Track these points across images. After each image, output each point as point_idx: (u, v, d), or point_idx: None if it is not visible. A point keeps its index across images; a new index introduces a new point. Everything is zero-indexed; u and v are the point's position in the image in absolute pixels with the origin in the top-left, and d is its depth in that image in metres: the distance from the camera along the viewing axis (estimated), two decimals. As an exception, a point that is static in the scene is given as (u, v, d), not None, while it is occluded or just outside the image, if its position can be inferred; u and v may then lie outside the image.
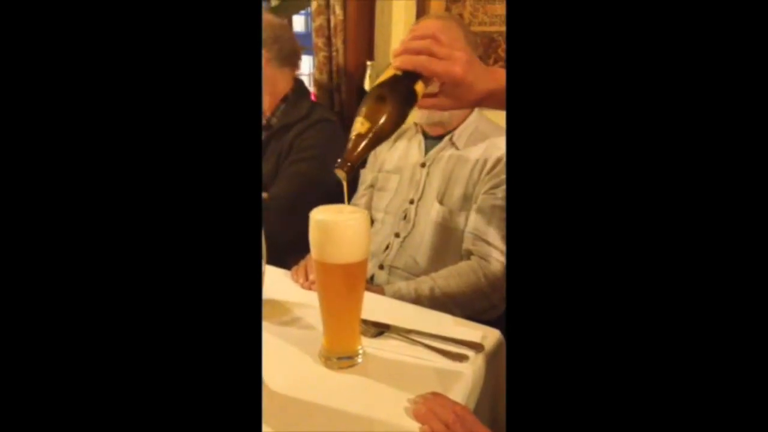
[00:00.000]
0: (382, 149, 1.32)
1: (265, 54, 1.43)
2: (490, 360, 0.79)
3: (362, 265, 0.73)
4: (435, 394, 0.65)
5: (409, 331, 0.81)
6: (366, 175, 1.35)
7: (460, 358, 0.75)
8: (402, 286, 1.06)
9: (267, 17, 1.48)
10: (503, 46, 1.51)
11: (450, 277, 1.05)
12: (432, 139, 1.21)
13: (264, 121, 1.47)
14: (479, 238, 1.08)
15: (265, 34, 1.44)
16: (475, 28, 1.52)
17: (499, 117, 1.35)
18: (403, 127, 1.32)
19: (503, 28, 1.50)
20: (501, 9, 1.50)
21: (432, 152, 1.19)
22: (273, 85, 1.45)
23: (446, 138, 1.18)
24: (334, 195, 1.45)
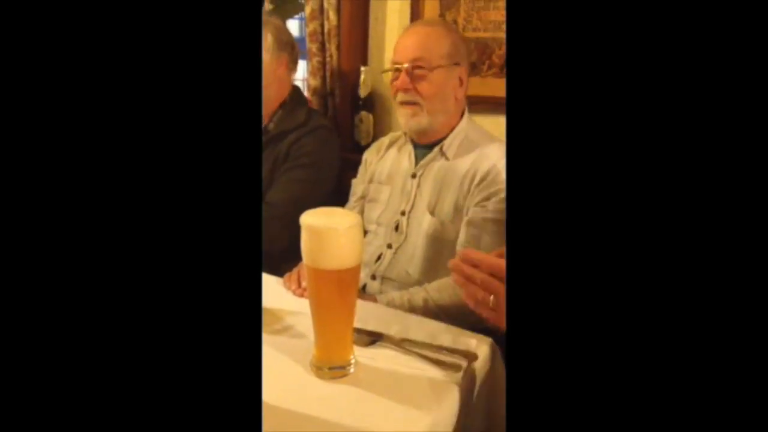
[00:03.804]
0: (373, 160, 1.31)
1: (285, 58, 1.42)
2: (484, 369, 0.79)
3: (355, 271, 0.72)
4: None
5: (402, 340, 0.80)
6: (356, 187, 1.34)
7: (454, 367, 0.74)
8: (395, 296, 1.05)
9: (279, 22, 1.47)
10: (497, 52, 1.51)
11: (443, 290, 1.04)
12: (422, 148, 1.20)
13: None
14: None
15: (285, 37, 1.43)
16: (469, 34, 1.52)
17: (488, 122, 1.36)
18: (394, 135, 1.32)
19: (497, 34, 1.50)
20: (495, 15, 1.50)
21: (422, 162, 1.18)
22: (279, 90, 1.44)
23: (436, 148, 1.17)
24: (330, 202, 1.44)
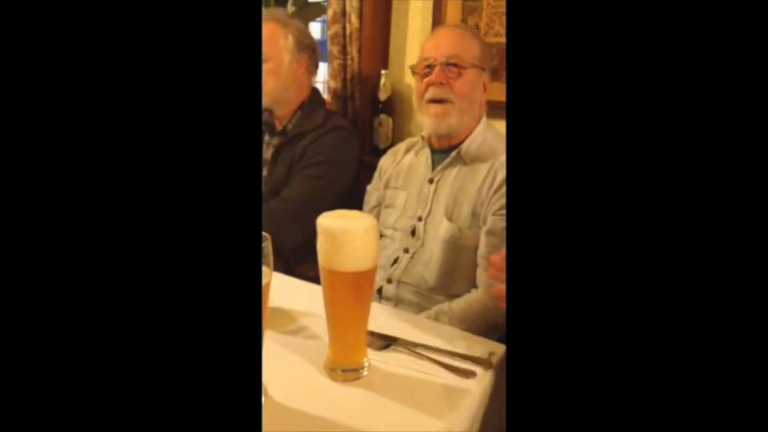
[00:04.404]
0: (389, 166, 1.29)
1: (305, 60, 1.44)
2: (498, 376, 0.78)
3: (370, 274, 0.72)
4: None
5: (417, 345, 0.80)
6: (371, 195, 1.32)
7: (468, 374, 0.74)
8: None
9: (300, 25, 1.48)
10: (518, 57, 1.50)
11: (467, 320, 1.03)
12: (439, 153, 1.19)
13: (279, 128, 1.48)
14: None
15: (306, 40, 1.45)
16: (491, 39, 1.52)
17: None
18: (410, 141, 1.32)
19: (519, 40, 1.49)
20: (517, 20, 1.49)
21: (440, 167, 1.17)
22: (298, 91, 1.45)
23: (454, 153, 1.15)
24: (345, 200, 1.44)
